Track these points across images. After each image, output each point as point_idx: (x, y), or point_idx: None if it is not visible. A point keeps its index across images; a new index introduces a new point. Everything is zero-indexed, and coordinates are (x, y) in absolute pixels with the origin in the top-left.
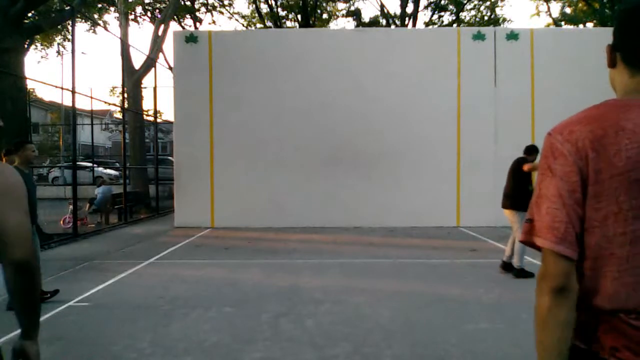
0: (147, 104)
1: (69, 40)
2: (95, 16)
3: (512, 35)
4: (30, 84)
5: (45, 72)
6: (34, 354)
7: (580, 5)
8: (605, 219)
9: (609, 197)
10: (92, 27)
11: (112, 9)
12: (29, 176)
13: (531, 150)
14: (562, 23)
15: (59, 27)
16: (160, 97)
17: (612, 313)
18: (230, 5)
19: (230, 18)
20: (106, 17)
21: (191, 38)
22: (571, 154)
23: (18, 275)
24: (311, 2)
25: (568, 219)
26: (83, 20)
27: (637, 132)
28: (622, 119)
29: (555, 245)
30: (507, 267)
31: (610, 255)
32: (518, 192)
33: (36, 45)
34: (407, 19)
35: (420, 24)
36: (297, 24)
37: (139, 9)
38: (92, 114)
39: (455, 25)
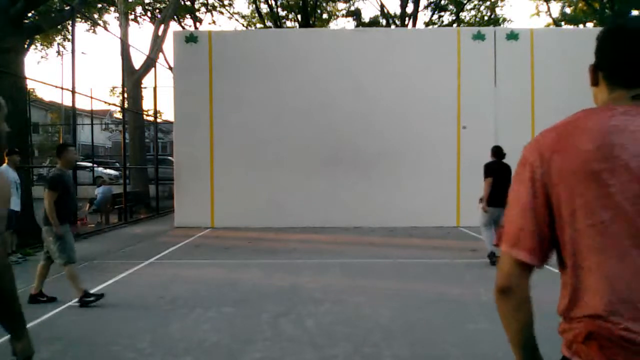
0: (147, 104)
1: (69, 40)
2: (95, 16)
3: (512, 35)
4: (30, 84)
5: (45, 72)
6: (18, 352)
7: (580, 5)
8: (573, 213)
9: (574, 192)
10: (92, 27)
11: (112, 9)
12: (70, 177)
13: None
14: (562, 23)
15: (59, 27)
16: (160, 97)
17: (595, 316)
18: (230, 5)
19: (230, 18)
20: (106, 17)
21: (191, 38)
22: (535, 159)
23: None
24: (311, 2)
25: (523, 224)
26: (83, 20)
27: (595, 129)
28: (587, 121)
29: (508, 248)
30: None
31: (584, 248)
32: None
33: (36, 45)
34: (407, 19)
35: (420, 24)
36: (297, 24)
37: (139, 9)
38: (92, 114)
39: (455, 25)
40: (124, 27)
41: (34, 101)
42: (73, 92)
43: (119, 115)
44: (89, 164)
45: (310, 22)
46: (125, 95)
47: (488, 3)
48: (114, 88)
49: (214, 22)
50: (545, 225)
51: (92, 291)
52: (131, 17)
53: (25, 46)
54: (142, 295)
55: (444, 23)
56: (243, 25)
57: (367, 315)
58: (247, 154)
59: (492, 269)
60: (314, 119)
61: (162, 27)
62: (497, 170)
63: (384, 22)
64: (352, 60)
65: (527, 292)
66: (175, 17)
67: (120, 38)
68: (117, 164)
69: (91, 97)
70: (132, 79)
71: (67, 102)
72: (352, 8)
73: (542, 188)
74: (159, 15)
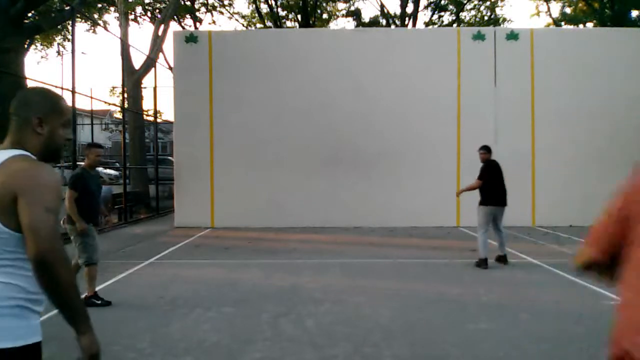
0: (147, 104)
1: (69, 40)
2: (95, 16)
3: (512, 35)
4: (30, 84)
5: (45, 72)
6: (84, 347)
7: (580, 5)
8: None
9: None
10: (92, 27)
11: (112, 9)
12: (95, 178)
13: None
14: (562, 23)
15: (59, 27)
16: (160, 97)
17: (626, 340)
18: (230, 5)
19: (230, 18)
20: (106, 17)
21: (191, 38)
22: (635, 175)
23: (35, 271)
24: (311, 2)
25: (599, 230)
26: (83, 20)
27: None
28: None
29: (585, 245)
30: (500, 259)
31: None
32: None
33: (36, 45)
34: (407, 19)
35: (420, 24)
36: (297, 24)
37: (139, 9)
38: (92, 114)
39: (455, 25)
40: (124, 27)
41: None
42: (73, 92)
43: (119, 115)
44: None
45: (310, 22)
46: (125, 95)
47: (488, 3)
48: (114, 88)
49: (214, 22)
50: (613, 236)
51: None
52: (131, 17)
53: (25, 46)
54: (142, 295)
55: (444, 23)
56: (243, 25)
57: (367, 315)
58: (247, 154)
59: (492, 270)
60: (314, 119)
61: (162, 27)
62: (495, 169)
63: (384, 22)
64: (352, 60)
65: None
66: (175, 17)
67: (120, 38)
68: (117, 164)
69: (91, 97)
70: (132, 79)
71: (67, 102)
72: (352, 8)
73: (625, 201)
74: (159, 15)
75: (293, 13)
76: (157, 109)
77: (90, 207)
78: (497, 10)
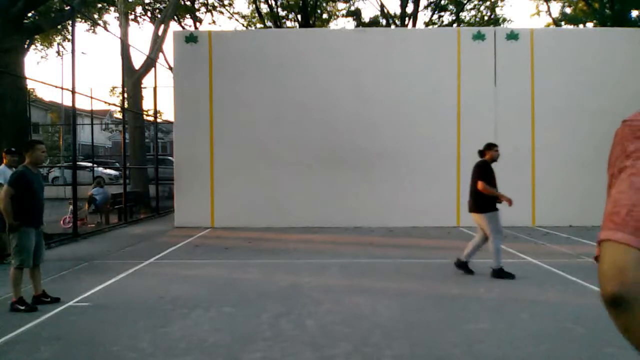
0: (147, 104)
1: (69, 40)
2: (95, 16)
3: (512, 35)
4: (30, 84)
5: (45, 72)
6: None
7: (580, 5)
8: None
9: None
10: (92, 27)
11: (112, 9)
12: (37, 177)
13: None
14: (562, 23)
15: (59, 27)
16: (160, 97)
17: None
18: (230, 5)
19: (230, 18)
20: (106, 17)
21: (191, 38)
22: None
23: None
24: (311, 2)
25: (634, 201)
26: (83, 20)
27: None
28: None
29: (613, 233)
30: (461, 265)
31: None
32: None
33: (36, 46)
34: (407, 19)
35: (420, 24)
36: (297, 24)
37: (139, 9)
38: (92, 114)
39: (455, 25)
40: (124, 27)
41: (34, 101)
42: (73, 92)
43: (119, 115)
44: (89, 164)
45: (310, 22)
46: (125, 95)
47: (488, 3)
48: (114, 88)
49: (214, 22)
50: None
51: (90, 292)
52: (131, 17)
53: (25, 46)
54: (142, 295)
55: (444, 23)
56: (243, 25)
57: (367, 315)
58: (247, 154)
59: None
60: (314, 119)
61: (162, 27)
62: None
63: (384, 22)
64: (352, 60)
65: None
66: (175, 17)
67: (120, 38)
68: (117, 164)
69: (91, 97)
70: (132, 79)
71: (67, 102)
72: (352, 8)
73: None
74: (159, 15)
75: (293, 13)
76: (157, 109)
77: (32, 207)
78: (497, 10)
